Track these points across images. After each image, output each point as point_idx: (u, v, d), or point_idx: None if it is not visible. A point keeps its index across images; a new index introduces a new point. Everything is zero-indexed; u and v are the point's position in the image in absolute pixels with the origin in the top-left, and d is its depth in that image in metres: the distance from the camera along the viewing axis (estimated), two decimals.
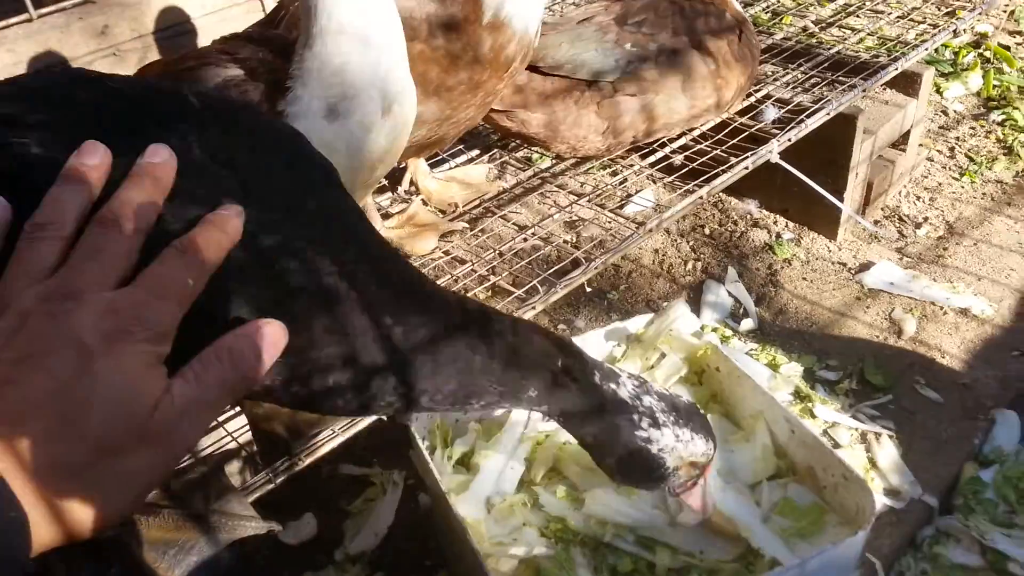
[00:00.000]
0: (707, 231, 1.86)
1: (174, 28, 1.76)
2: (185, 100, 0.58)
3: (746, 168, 1.47)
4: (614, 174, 1.71)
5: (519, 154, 1.68)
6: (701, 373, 1.23)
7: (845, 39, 1.91)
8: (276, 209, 0.55)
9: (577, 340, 1.27)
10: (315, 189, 0.59)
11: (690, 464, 0.77)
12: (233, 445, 1.13)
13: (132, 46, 1.73)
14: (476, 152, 1.64)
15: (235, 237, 0.51)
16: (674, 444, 0.73)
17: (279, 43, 0.97)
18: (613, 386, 0.72)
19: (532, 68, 1.39)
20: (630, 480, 0.79)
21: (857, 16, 2.07)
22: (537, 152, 1.73)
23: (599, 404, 0.71)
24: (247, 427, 1.12)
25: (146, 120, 0.55)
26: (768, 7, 2.06)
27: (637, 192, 1.85)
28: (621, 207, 1.82)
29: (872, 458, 1.34)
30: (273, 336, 0.51)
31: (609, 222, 1.47)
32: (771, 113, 1.60)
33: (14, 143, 0.51)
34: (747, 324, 1.61)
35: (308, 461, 1.02)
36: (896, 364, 1.52)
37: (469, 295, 1.52)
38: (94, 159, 0.51)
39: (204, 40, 1.80)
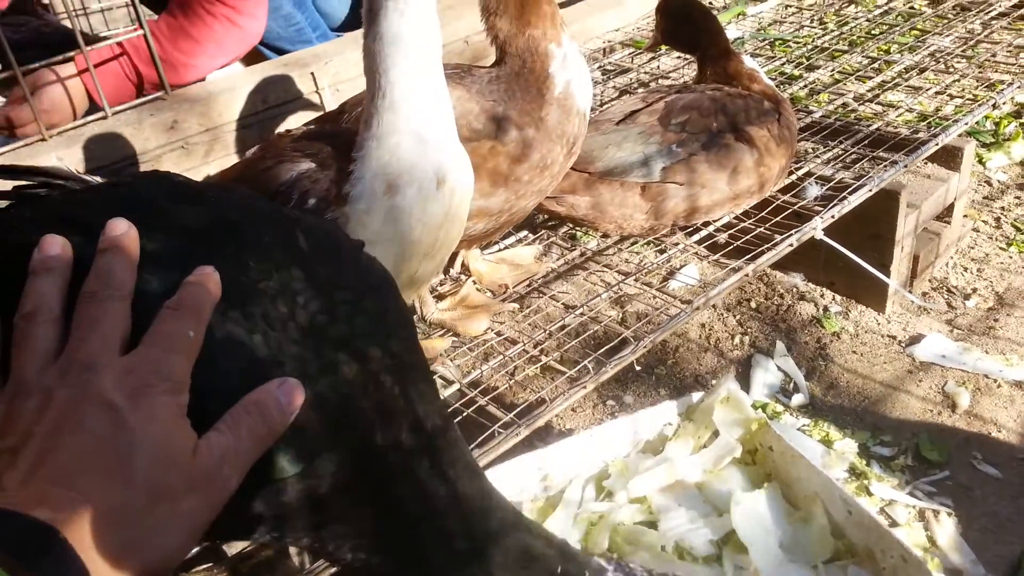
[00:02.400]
0: (753, 305, 1.87)
1: (238, 122, 1.87)
2: (293, 239, 0.62)
3: (791, 245, 1.50)
4: (661, 251, 1.75)
5: (565, 232, 1.73)
6: (754, 452, 1.24)
7: (884, 115, 1.95)
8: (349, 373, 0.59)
9: (627, 419, 1.29)
10: (391, 338, 0.63)
11: None
12: None
13: (200, 139, 1.84)
14: (524, 233, 1.70)
15: (217, 292, 0.57)
16: None
17: (347, 137, 1.04)
18: None
19: (582, 171, 1.45)
20: None
21: (895, 91, 2.11)
22: (583, 231, 1.77)
23: None
24: None
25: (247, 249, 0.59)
26: (806, 85, 2.11)
27: (681, 268, 1.88)
28: (666, 282, 1.85)
29: (931, 536, 1.32)
30: (293, 391, 0.56)
31: (655, 298, 1.50)
32: (813, 190, 1.63)
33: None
34: (798, 399, 1.61)
35: None
36: (952, 439, 1.51)
37: (521, 375, 1.55)
38: (54, 250, 0.56)
39: (266, 132, 1.91)
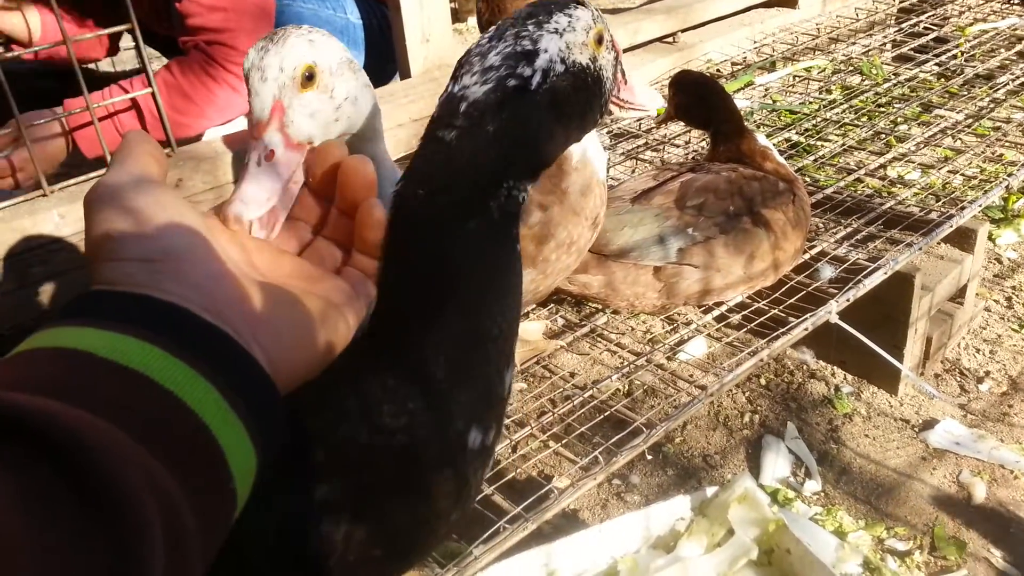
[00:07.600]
0: (763, 381, 1.84)
1: None
2: None
3: (806, 329, 1.47)
4: (669, 320, 1.71)
5: (575, 308, 1.70)
6: (770, 552, 1.19)
7: (893, 189, 1.93)
8: None
9: (638, 514, 1.25)
10: None
11: (594, 42, 0.58)
12: None
13: (205, 197, 1.81)
14: (532, 305, 1.66)
15: None
16: (561, 41, 0.55)
17: None
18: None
19: (596, 252, 1.42)
20: (582, 113, 0.59)
21: (904, 164, 2.10)
22: (593, 306, 1.74)
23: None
24: None
25: None
26: (816, 159, 2.09)
27: (690, 339, 1.85)
28: (674, 355, 1.81)
29: None
30: None
31: (664, 382, 1.47)
32: (827, 272, 1.60)
33: None
34: (811, 486, 1.56)
35: None
36: (968, 533, 1.46)
37: (531, 460, 1.50)
38: None
39: None
